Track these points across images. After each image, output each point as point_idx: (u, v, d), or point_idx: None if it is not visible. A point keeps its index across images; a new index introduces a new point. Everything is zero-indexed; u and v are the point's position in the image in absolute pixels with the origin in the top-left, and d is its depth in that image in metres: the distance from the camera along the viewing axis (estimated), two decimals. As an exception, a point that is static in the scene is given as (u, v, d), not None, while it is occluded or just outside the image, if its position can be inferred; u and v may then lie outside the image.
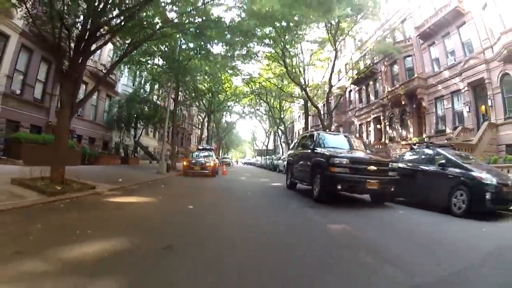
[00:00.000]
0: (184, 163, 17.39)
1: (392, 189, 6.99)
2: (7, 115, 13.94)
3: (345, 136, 10.08)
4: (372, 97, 29.21)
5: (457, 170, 6.81)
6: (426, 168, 7.68)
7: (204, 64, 17.60)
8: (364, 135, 30.19)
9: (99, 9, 7.32)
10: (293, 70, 24.42)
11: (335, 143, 8.45)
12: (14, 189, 6.21)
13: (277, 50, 20.91)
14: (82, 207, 5.45)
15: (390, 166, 7.00)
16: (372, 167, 6.60)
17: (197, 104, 33.28)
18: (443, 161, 7.19)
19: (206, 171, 16.22)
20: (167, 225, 4.60)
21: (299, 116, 49.56)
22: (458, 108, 19.80)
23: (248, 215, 5.84)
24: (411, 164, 8.21)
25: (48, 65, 16.50)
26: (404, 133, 24.33)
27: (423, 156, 8.21)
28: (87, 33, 7.35)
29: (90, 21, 7.30)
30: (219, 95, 31.92)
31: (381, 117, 27.01)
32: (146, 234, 3.91)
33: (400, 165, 7.90)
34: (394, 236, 4.47)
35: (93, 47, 7.99)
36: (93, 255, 2.88)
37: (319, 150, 7.65)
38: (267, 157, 41.66)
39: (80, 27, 7.70)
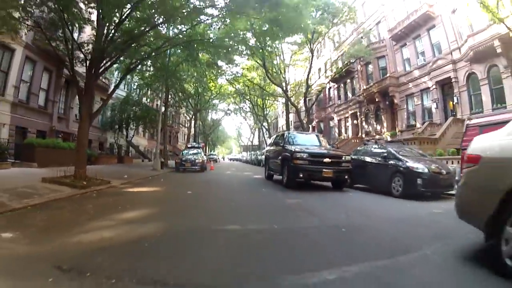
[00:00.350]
0: (176, 160, 19.32)
1: (346, 177, 9.12)
2: (16, 122, 15.47)
3: (314, 135, 12.22)
4: (349, 94, 31.55)
5: (395, 162, 8.90)
6: (373, 160, 9.79)
7: (191, 69, 19.49)
8: (343, 130, 32.57)
9: (109, 38, 9.18)
10: (273, 71, 26.47)
11: (303, 140, 10.57)
12: (49, 186, 8.01)
13: (256, 59, 22.82)
14: (109, 195, 7.40)
15: (343, 158, 9.12)
16: (327, 160, 8.73)
17: (185, 104, 34.94)
18: (385, 154, 9.29)
19: (196, 167, 18.19)
20: (176, 201, 6.85)
21: (283, 112, 51.71)
22: (427, 104, 22.10)
23: (232, 196, 7.95)
24: (363, 157, 10.33)
25: (49, 74, 18.08)
26: (378, 127, 26.71)
27: (372, 150, 10.33)
28: (98, 59, 9.22)
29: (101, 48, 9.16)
30: (205, 95, 33.81)
31: (358, 113, 29.36)
32: (164, 205, 6.06)
33: (354, 157, 10.05)
34: (332, 207, 6.58)
35: (101, 68, 9.85)
36: (137, 216, 4.94)
37: (287, 146, 9.74)
38: (252, 152, 43.77)
39: (92, 52, 9.51)
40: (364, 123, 28.73)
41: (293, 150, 8.95)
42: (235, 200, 7.13)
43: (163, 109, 20.88)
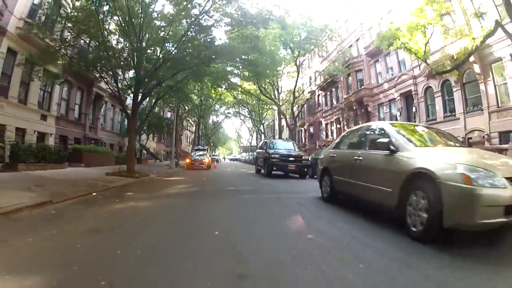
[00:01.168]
0: (187, 160, 24.23)
1: (306, 170, 13.97)
2: (59, 132, 20.29)
3: (290, 142, 17.23)
4: (334, 102, 36.47)
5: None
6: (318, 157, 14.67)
7: (197, 85, 24.44)
8: (329, 133, 37.43)
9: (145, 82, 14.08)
10: (267, 82, 31.46)
11: (280, 146, 15.56)
12: (114, 177, 12.80)
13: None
14: (157, 181, 12.38)
15: (303, 158, 14.00)
16: (291, 159, 13.63)
17: (190, 112, 39.94)
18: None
19: (203, 166, 23.11)
20: (198, 183, 11.85)
21: (293, 105, 56.94)
22: (394, 112, 26.89)
23: (231, 180, 13.03)
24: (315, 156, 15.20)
25: (82, 92, 22.99)
26: (356, 131, 31.43)
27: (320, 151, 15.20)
28: (138, 94, 14.15)
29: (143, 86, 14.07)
30: (207, 102, 38.82)
31: (341, 119, 34.28)
32: (192, 184, 11.06)
33: (312, 156, 14.95)
34: (287, 186, 11.41)
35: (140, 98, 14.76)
36: (183, 187, 10.11)
37: (268, 150, 14.77)
38: (250, 153, 48.68)
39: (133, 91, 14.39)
40: (345, 127, 33.57)
41: (270, 152, 13.96)
42: (233, 181, 12.20)
43: (168, 116, 25.88)
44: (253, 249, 3.23)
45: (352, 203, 6.12)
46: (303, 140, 45.77)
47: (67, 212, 5.28)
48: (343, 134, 8.11)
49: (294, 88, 29.62)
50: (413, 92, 23.89)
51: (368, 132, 5.96)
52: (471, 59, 17.13)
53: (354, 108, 30.53)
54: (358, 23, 31.52)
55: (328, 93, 37.99)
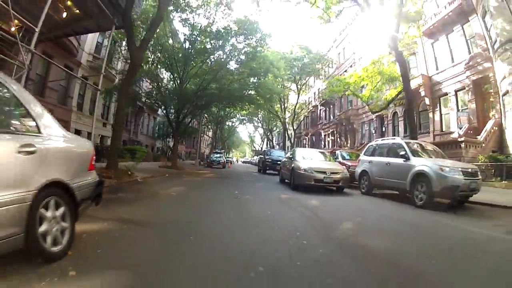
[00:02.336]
0: (208, 160, 31.67)
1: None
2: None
3: (281, 150, 24.45)
4: (331, 117, 43.32)
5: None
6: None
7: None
8: (326, 142, 44.36)
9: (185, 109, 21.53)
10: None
11: (273, 154, 22.64)
12: (166, 169, 20.18)
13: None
14: (193, 172, 20.05)
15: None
16: (278, 162, 20.76)
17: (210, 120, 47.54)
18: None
19: (220, 165, 30.48)
20: (220, 174, 19.54)
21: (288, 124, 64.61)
22: (372, 130, 33.70)
23: (240, 175, 20.40)
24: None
25: (129, 105, 30.65)
26: (345, 143, 38.36)
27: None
28: (183, 114, 21.62)
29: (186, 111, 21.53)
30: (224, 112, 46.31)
31: (334, 132, 41.23)
32: (218, 174, 18.82)
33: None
34: (267, 177, 18.49)
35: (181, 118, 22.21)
36: (212, 175, 17.75)
37: (266, 157, 21.93)
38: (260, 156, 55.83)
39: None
40: (338, 139, 40.51)
41: (266, 158, 21.22)
42: (240, 175, 19.72)
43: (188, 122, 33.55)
44: (244, 192, 10.55)
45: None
46: (306, 147, 52.56)
47: (164, 180, 12.68)
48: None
49: (295, 106, 36.84)
50: (384, 115, 30.69)
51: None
52: (423, 92, 24.13)
53: (344, 124, 37.43)
54: (352, 52, 38.25)
55: (327, 109, 44.95)
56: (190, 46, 20.32)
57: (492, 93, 19.06)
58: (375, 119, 32.52)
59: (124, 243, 3.51)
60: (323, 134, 46.00)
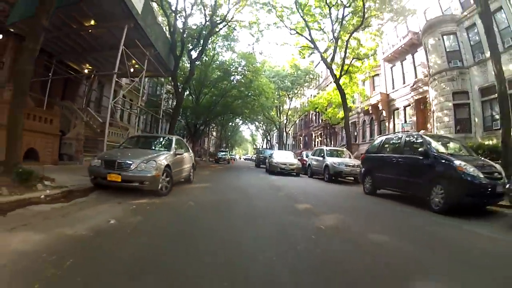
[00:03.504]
0: (215, 158, 40.03)
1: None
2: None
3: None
4: (320, 121, 51.39)
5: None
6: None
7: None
8: (316, 142, 52.49)
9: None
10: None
11: (266, 152, 30.86)
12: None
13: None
14: (209, 166, 28.20)
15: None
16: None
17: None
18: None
19: (226, 162, 38.80)
20: (227, 167, 27.83)
21: (286, 124, 73.41)
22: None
23: (241, 168, 28.60)
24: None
25: (152, 116, 39.19)
26: (330, 143, 46.54)
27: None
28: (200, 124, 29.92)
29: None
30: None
31: (322, 133, 49.29)
32: (225, 167, 27.21)
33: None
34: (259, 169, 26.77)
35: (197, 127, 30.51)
36: (222, 168, 25.87)
37: (259, 155, 30.21)
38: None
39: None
40: (325, 141, 48.64)
41: (261, 156, 29.32)
42: (242, 168, 28.07)
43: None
44: (242, 174, 18.91)
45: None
46: (301, 146, 60.82)
47: (200, 169, 20.94)
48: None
49: (287, 113, 45.07)
50: (356, 122, 38.86)
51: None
52: (380, 106, 32.20)
53: (328, 127, 45.54)
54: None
55: (317, 113, 53.01)
56: (204, 76, 28.67)
57: (428, 110, 27.03)
58: (350, 124, 40.68)
59: (204, 183, 11.80)
60: (313, 135, 54.04)
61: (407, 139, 9.24)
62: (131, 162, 6.84)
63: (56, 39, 14.00)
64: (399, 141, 9.56)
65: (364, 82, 36.47)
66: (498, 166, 7.79)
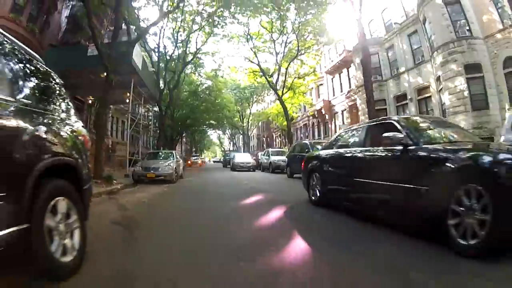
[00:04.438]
0: (188, 162, 46.78)
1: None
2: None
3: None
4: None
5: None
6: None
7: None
8: (277, 142, 60.31)
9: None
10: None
11: (231, 155, 38.20)
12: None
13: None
14: (186, 169, 35.01)
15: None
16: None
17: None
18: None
19: (197, 164, 45.75)
20: (200, 169, 34.87)
21: (248, 128, 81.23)
22: (300, 134, 49.97)
23: (212, 169, 35.69)
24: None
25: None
26: (287, 143, 54.57)
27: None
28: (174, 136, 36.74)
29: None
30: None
31: (281, 134, 57.21)
32: (199, 170, 34.30)
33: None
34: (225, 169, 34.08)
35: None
36: (198, 170, 32.80)
37: (226, 157, 37.51)
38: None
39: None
40: (283, 140, 56.59)
41: (228, 157, 36.59)
42: (211, 168, 35.27)
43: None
44: (212, 172, 26.10)
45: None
46: (264, 147, 68.74)
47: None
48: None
49: (248, 119, 52.74)
50: (307, 124, 47.09)
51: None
52: (323, 111, 40.28)
53: (285, 129, 53.49)
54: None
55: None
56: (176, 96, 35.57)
57: (358, 114, 35.21)
58: (302, 126, 48.88)
59: (191, 177, 18.94)
60: (274, 136, 61.96)
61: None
62: (158, 166, 13.99)
63: (78, 84, 20.20)
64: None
65: (311, 92, 44.56)
66: None
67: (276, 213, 6.26)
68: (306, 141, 20.13)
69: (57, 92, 3.73)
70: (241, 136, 73.90)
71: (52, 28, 21.01)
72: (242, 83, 45.15)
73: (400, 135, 4.43)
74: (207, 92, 35.20)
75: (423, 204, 3.84)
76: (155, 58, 25.76)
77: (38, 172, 2.46)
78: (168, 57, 26.05)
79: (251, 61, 32.38)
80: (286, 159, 20.04)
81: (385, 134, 4.58)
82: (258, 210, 6.81)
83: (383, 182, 4.65)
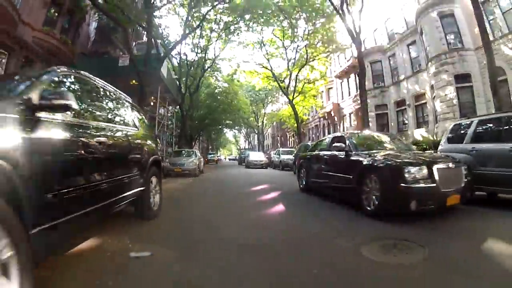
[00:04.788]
0: (206, 159, 49.95)
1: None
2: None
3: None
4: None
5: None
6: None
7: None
8: (291, 142, 62.86)
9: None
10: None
11: (246, 153, 41.01)
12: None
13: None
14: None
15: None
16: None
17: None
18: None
19: (214, 161, 48.79)
20: (216, 166, 37.82)
21: (263, 127, 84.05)
22: (312, 134, 52.41)
23: (226, 165, 38.54)
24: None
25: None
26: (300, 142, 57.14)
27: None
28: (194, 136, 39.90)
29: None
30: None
31: (294, 134, 59.63)
32: (216, 166, 37.19)
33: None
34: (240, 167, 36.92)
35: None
36: (213, 166, 35.82)
37: (242, 155, 40.41)
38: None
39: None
40: (297, 140, 59.13)
41: (244, 156, 39.53)
42: (227, 166, 38.14)
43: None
44: (229, 168, 29.00)
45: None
46: (278, 146, 71.41)
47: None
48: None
49: (263, 119, 55.44)
50: (318, 125, 49.48)
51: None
52: (333, 113, 42.72)
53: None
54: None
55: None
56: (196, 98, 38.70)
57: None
58: (314, 127, 51.32)
59: (210, 172, 21.91)
60: (288, 135, 64.59)
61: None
62: (184, 162, 16.94)
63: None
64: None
65: (321, 94, 46.97)
66: None
67: (273, 194, 9.49)
68: (308, 143, 22.81)
69: (145, 119, 6.69)
70: (256, 135, 76.86)
71: (82, 38, 23.86)
72: (257, 86, 48.04)
73: (344, 145, 7.16)
74: (223, 95, 37.97)
75: (351, 186, 6.42)
76: (176, 63, 28.80)
77: (149, 163, 5.41)
78: (188, 63, 28.88)
79: (265, 67, 35.03)
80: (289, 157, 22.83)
81: (335, 144, 7.42)
82: (262, 192, 10.21)
83: (336, 174, 7.34)
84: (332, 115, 43.19)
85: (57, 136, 2.68)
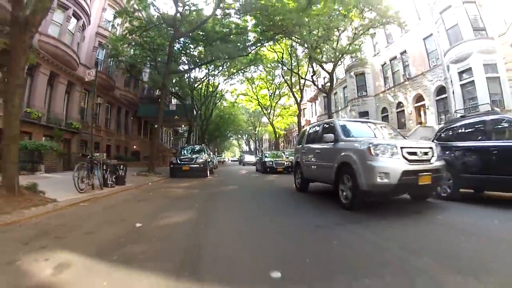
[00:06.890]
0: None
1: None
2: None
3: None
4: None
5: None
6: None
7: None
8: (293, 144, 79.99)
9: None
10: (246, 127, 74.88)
11: (243, 155, 58.24)
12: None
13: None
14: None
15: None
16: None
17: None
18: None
19: (220, 163, 65.84)
20: (224, 166, 55.71)
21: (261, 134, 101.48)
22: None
23: (230, 166, 56.04)
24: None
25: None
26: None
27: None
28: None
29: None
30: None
31: (294, 138, 76.82)
32: (223, 165, 54.99)
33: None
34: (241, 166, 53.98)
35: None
36: (223, 165, 53.58)
37: (241, 158, 57.86)
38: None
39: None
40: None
41: (243, 158, 56.98)
42: (231, 165, 57.11)
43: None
44: (234, 168, 46.50)
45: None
46: (273, 148, 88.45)
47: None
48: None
49: (258, 129, 72.93)
50: (298, 134, 66.26)
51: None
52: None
53: (298, 133, 73.15)
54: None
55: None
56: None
57: None
58: (296, 136, 68.44)
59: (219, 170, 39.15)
60: (280, 141, 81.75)
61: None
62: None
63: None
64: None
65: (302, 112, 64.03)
66: None
67: (252, 173, 26.91)
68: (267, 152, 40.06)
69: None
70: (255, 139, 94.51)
71: (139, 88, 41.43)
72: (251, 109, 65.53)
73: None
74: (226, 116, 55.78)
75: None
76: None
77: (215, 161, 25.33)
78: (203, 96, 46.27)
79: (254, 100, 52.49)
80: (256, 159, 40.14)
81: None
82: (246, 171, 28.20)
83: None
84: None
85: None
